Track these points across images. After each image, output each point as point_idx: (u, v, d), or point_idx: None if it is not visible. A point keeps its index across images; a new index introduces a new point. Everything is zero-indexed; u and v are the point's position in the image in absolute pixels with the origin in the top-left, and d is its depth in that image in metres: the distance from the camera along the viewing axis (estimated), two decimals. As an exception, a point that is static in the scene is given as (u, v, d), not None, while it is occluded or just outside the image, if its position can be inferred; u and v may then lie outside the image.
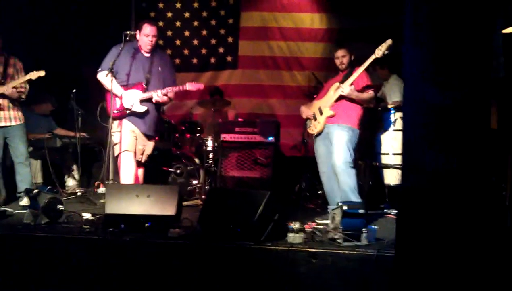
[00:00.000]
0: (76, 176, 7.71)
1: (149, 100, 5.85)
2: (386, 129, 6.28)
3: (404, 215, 3.41)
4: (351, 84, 5.54)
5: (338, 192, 5.69)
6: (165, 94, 5.83)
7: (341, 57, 5.79)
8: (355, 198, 5.47)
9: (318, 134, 5.82)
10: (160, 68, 5.99)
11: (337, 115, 5.67)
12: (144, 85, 5.84)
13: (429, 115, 3.13)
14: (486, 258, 3.06)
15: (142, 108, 5.81)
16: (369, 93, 5.69)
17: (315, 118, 5.82)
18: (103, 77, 5.78)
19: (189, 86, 5.88)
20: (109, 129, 5.71)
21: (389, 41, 5.43)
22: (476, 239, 3.08)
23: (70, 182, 7.77)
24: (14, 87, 6.13)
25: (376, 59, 5.55)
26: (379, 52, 5.44)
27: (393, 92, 6.86)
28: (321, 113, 5.75)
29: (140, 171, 6.06)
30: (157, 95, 5.78)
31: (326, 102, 5.75)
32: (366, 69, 5.68)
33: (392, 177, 6.25)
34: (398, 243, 3.43)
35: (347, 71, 5.76)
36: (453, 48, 3.08)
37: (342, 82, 5.65)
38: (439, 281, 3.15)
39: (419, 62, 3.19)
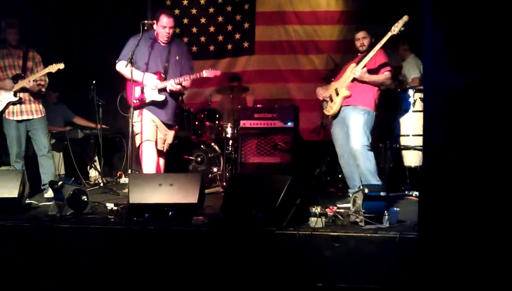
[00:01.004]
0: (98, 167, 7.80)
1: (166, 89, 5.88)
2: (406, 110, 6.26)
3: (426, 197, 3.42)
4: (364, 66, 5.50)
5: (357, 175, 5.69)
6: (179, 84, 5.84)
7: (362, 38, 5.73)
8: (375, 180, 5.47)
9: (335, 117, 5.80)
10: (177, 57, 6.00)
11: (353, 97, 5.63)
12: (162, 74, 5.87)
13: (447, 97, 3.12)
14: (507, 240, 3.06)
15: (160, 97, 5.85)
16: (384, 74, 5.62)
17: (331, 100, 5.79)
18: (122, 67, 5.82)
19: (206, 74, 5.89)
20: (130, 118, 5.75)
21: (405, 18, 5.34)
22: (496, 220, 3.08)
23: (93, 173, 7.88)
24: (34, 80, 6.19)
25: (396, 36, 5.49)
26: (396, 28, 5.36)
27: (413, 70, 6.83)
28: (337, 94, 5.72)
29: (162, 160, 6.11)
30: (171, 85, 5.80)
31: (342, 83, 5.72)
32: (386, 51, 5.63)
33: (412, 158, 6.24)
34: (421, 225, 3.45)
35: (366, 53, 5.70)
36: (474, 30, 3.06)
37: (359, 63, 5.61)
38: (461, 263, 3.16)
39: (440, 45, 3.18)
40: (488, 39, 3.05)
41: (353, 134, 5.56)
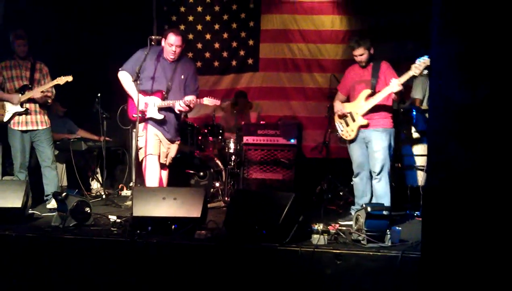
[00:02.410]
0: (100, 179, 7.82)
1: (167, 108, 5.92)
2: (410, 130, 6.29)
3: (430, 215, 3.43)
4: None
5: (368, 195, 5.76)
6: (188, 105, 5.87)
7: (359, 56, 5.68)
8: (387, 202, 5.49)
9: (352, 139, 5.79)
10: (183, 76, 6.01)
11: (372, 120, 5.62)
12: (164, 94, 5.90)
13: (456, 113, 3.14)
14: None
15: (159, 116, 5.88)
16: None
17: (347, 123, 5.76)
18: (124, 76, 5.87)
19: (205, 101, 5.88)
20: (136, 132, 5.80)
21: (427, 61, 5.20)
22: (503, 239, 3.09)
23: (95, 185, 7.89)
24: (41, 91, 6.24)
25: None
26: (417, 71, 5.28)
27: (417, 89, 6.85)
28: (353, 120, 5.69)
29: (164, 174, 6.13)
30: (179, 105, 5.83)
31: (358, 109, 5.65)
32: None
33: (414, 178, 6.26)
34: (424, 244, 3.45)
35: (372, 67, 5.67)
36: (481, 45, 3.08)
37: (371, 85, 5.58)
38: (466, 282, 3.17)
39: (447, 60, 3.20)
40: (498, 52, 3.07)
41: (378, 158, 5.57)
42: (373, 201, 5.61)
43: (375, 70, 5.65)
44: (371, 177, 5.77)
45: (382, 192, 5.57)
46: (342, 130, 5.84)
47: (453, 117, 3.18)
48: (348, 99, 5.89)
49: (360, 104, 5.64)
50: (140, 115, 5.79)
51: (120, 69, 5.98)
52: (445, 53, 3.24)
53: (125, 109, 6.08)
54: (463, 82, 3.15)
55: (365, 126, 5.62)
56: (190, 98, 5.85)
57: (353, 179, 5.88)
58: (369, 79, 5.64)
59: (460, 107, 3.14)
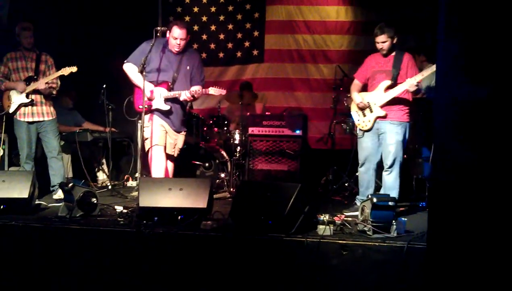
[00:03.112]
0: (106, 170, 7.85)
1: (173, 99, 5.93)
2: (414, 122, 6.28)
3: (436, 208, 3.44)
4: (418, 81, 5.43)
5: (373, 186, 5.78)
6: (193, 95, 5.88)
7: (381, 43, 5.60)
8: (396, 195, 5.48)
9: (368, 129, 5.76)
10: (188, 68, 6.02)
11: (389, 112, 5.59)
12: (170, 84, 5.91)
13: (462, 109, 3.15)
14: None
15: (165, 107, 5.89)
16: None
17: (364, 114, 5.73)
18: (129, 69, 5.88)
19: (211, 91, 5.94)
20: (142, 123, 5.81)
21: None
22: (507, 232, 3.10)
23: (100, 176, 7.92)
24: (46, 83, 6.25)
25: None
26: None
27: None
28: (371, 110, 5.66)
29: (171, 165, 6.14)
30: (185, 95, 5.84)
31: (376, 99, 5.61)
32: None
33: (420, 169, 6.27)
34: (430, 235, 3.47)
35: (394, 57, 5.63)
36: (487, 42, 3.09)
37: (392, 76, 5.55)
38: (471, 273, 3.18)
39: (453, 56, 3.21)
40: (503, 49, 3.07)
41: (391, 151, 5.55)
42: (381, 192, 5.61)
43: (397, 61, 5.59)
44: (377, 169, 5.77)
45: (391, 184, 5.57)
46: (358, 120, 5.79)
47: (458, 113, 3.20)
48: (365, 88, 5.85)
49: (379, 95, 5.60)
50: (146, 106, 5.81)
51: (125, 61, 5.98)
52: (450, 50, 3.24)
53: (132, 101, 6.10)
54: (468, 79, 3.15)
55: (383, 117, 5.59)
56: (196, 88, 5.87)
57: (359, 169, 5.85)
58: (390, 70, 5.59)
59: (465, 104, 3.14)
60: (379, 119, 5.62)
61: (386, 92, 5.55)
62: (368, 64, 5.87)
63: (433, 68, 5.24)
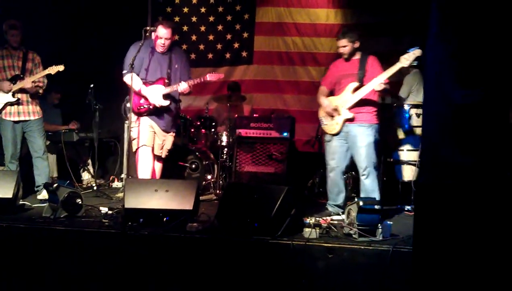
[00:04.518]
0: (92, 170, 7.80)
1: (169, 95, 5.91)
2: (401, 125, 6.29)
3: (422, 211, 3.44)
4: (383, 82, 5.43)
5: (343, 192, 5.76)
6: (190, 85, 5.88)
7: (342, 47, 5.67)
8: (377, 198, 5.46)
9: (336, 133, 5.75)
10: (177, 66, 6.05)
11: (357, 115, 5.59)
12: (166, 80, 5.91)
13: (452, 112, 3.15)
14: (503, 254, 3.09)
15: (165, 103, 5.89)
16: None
17: (332, 117, 5.73)
18: (129, 79, 5.82)
19: (209, 77, 5.97)
20: (128, 123, 5.79)
21: (417, 52, 5.22)
22: (493, 234, 3.11)
23: (86, 176, 7.87)
24: (33, 81, 6.20)
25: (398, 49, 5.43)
26: (406, 62, 5.27)
27: (403, 88, 6.85)
28: (338, 113, 5.65)
29: (159, 166, 6.12)
30: (184, 86, 5.84)
31: (343, 102, 5.62)
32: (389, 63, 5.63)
33: (406, 173, 6.28)
34: (416, 239, 3.47)
35: (359, 60, 5.66)
36: (478, 46, 3.10)
37: (358, 78, 5.56)
38: (457, 276, 3.18)
39: (443, 60, 3.21)
40: (494, 53, 3.08)
41: (363, 153, 5.53)
42: (362, 196, 5.58)
43: (362, 64, 5.63)
44: (344, 174, 5.79)
45: (370, 187, 5.54)
46: (326, 124, 5.82)
47: (448, 116, 3.20)
48: (332, 94, 5.86)
49: (346, 97, 5.61)
50: (145, 106, 5.81)
51: (123, 73, 5.93)
52: (441, 53, 3.25)
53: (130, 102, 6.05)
54: (459, 82, 3.16)
55: (351, 120, 5.59)
56: (190, 81, 5.89)
57: (329, 174, 5.82)
58: (356, 73, 5.61)
59: (455, 107, 3.15)
60: (348, 123, 5.61)
61: (353, 94, 5.57)
62: (333, 70, 5.93)
63: (397, 66, 5.30)
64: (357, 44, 5.65)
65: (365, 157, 5.52)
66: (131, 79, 5.55)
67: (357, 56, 5.70)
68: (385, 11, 8.33)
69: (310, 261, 4.24)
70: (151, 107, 5.89)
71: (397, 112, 6.34)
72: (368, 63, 5.62)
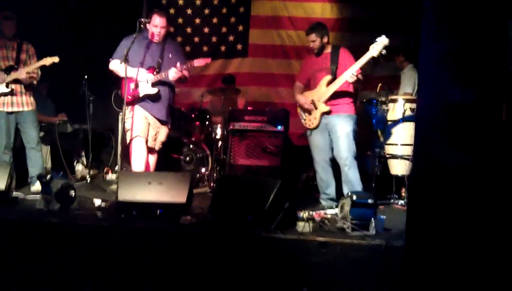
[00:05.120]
0: (85, 162, 7.78)
1: (160, 84, 5.90)
2: (394, 120, 6.30)
3: (415, 206, 3.45)
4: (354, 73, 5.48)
5: (333, 184, 5.83)
6: (180, 71, 5.85)
7: (311, 42, 5.79)
8: (360, 187, 5.58)
9: (315, 127, 5.83)
10: (170, 55, 6.03)
11: (334, 106, 5.68)
12: (155, 69, 5.91)
13: (445, 111, 3.17)
14: (497, 251, 3.10)
15: (153, 91, 5.88)
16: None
17: (309, 112, 5.81)
18: (115, 65, 5.86)
19: (196, 63, 5.94)
20: (123, 113, 5.78)
21: (386, 41, 5.32)
22: (485, 231, 3.12)
23: (80, 168, 7.85)
24: (27, 72, 6.17)
25: (398, 45, 5.48)
26: (375, 51, 5.34)
27: (408, 84, 6.88)
28: (315, 107, 5.74)
29: (153, 158, 6.11)
30: (173, 72, 5.80)
31: (319, 96, 5.71)
32: (376, 60, 5.64)
33: (399, 167, 6.29)
34: (409, 234, 3.48)
35: (330, 54, 5.75)
36: (471, 44, 3.11)
37: (331, 71, 5.65)
38: (449, 271, 3.20)
39: (436, 59, 3.22)
40: (488, 52, 3.09)
41: (342, 143, 5.60)
42: (346, 187, 5.63)
43: (334, 57, 5.71)
44: (332, 165, 5.83)
45: (353, 177, 5.60)
46: (304, 119, 5.90)
47: (442, 114, 3.21)
48: (308, 88, 5.94)
49: (321, 91, 5.70)
50: (132, 96, 5.79)
51: (110, 59, 5.94)
52: (435, 51, 3.26)
53: (119, 94, 6.03)
54: (453, 80, 3.17)
55: (328, 113, 5.66)
56: (182, 65, 5.87)
57: (316, 168, 5.92)
58: (328, 66, 5.71)
59: (449, 105, 3.16)
60: (325, 115, 5.69)
61: (327, 87, 5.64)
62: (306, 65, 6.06)
63: (367, 56, 5.37)
64: (325, 39, 5.78)
65: (345, 146, 5.59)
66: (125, 70, 5.56)
67: (328, 49, 5.81)
68: (379, 6, 8.35)
69: (303, 255, 4.24)
70: (139, 96, 5.87)
71: (391, 107, 6.36)
72: (340, 56, 5.72)
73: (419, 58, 3.34)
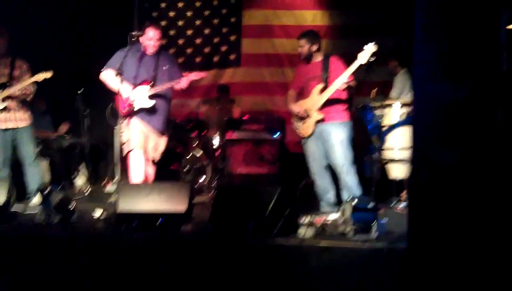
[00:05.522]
0: (84, 175, 7.76)
1: (157, 96, 5.90)
2: (391, 123, 6.31)
3: (416, 209, 3.46)
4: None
5: (332, 191, 5.85)
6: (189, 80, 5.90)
7: (299, 47, 5.85)
8: (359, 193, 5.59)
9: (309, 135, 5.84)
10: (164, 68, 6.02)
11: (328, 114, 5.68)
12: (150, 82, 5.89)
13: (440, 111, 3.18)
14: (496, 252, 3.11)
15: (149, 104, 5.86)
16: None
17: (303, 121, 5.82)
18: (107, 76, 5.84)
19: (192, 76, 5.94)
20: (118, 127, 5.76)
21: (373, 48, 5.37)
22: (486, 233, 3.13)
23: (78, 182, 7.82)
24: (20, 89, 6.16)
25: (383, 51, 5.53)
26: (364, 59, 5.38)
27: (398, 89, 6.91)
28: (309, 116, 5.75)
29: (151, 169, 6.09)
30: (183, 83, 5.87)
31: (312, 105, 5.72)
32: (370, 66, 5.67)
33: (398, 171, 6.29)
34: (410, 236, 3.48)
35: (321, 62, 5.76)
36: (464, 44, 3.13)
37: (323, 79, 5.66)
38: (451, 274, 3.20)
39: (430, 59, 3.24)
40: (481, 50, 3.11)
41: (338, 151, 5.62)
42: (345, 193, 5.65)
43: (325, 65, 5.73)
44: (329, 171, 5.84)
45: (352, 183, 5.62)
46: (299, 128, 5.92)
47: (437, 114, 3.22)
48: (301, 97, 5.95)
49: (314, 100, 5.71)
50: (127, 107, 5.78)
51: (102, 70, 5.94)
52: (429, 50, 3.27)
53: (114, 107, 6.01)
54: (447, 80, 3.18)
55: (321, 121, 5.68)
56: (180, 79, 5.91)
57: (314, 177, 5.95)
58: (320, 74, 5.72)
59: (444, 105, 3.17)
60: (319, 123, 5.71)
61: (320, 95, 5.66)
62: (299, 74, 6.08)
63: (356, 64, 5.40)
64: (314, 48, 5.79)
65: (340, 154, 5.61)
66: (120, 84, 5.58)
67: (319, 58, 5.83)
68: (370, 12, 8.40)
69: (305, 261, 4.24)
70: (133, 108, 5.87)
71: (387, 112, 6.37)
72: (331, 64, 5.73)
73: (413, 58, 3.35)
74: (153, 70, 5.95)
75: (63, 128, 7.73)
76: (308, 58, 5.83)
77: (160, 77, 5.95)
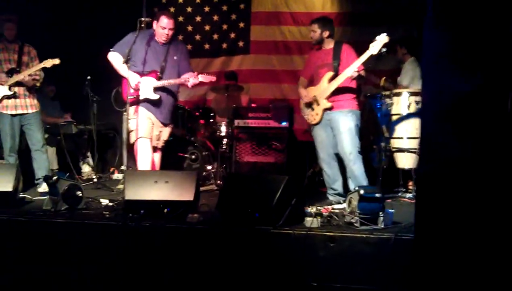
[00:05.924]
0: (91, 163, 7.79)
1: (163, 88, 5.89)
2: (400, 113, 6.29)
3: (423, 199, 3.44)
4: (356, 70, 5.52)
5: (340, 179, 5.84)
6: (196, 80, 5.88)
7: (311, 31, 5.86)
8: (366, 182, 5.58)
9: (317, 122, 5.84)
10: (175, 58, 6.00)
11: (336, 102, 5.68)
12: (158, 74, 5.87)
13: (449, 101, 3.15)
14: (504, 244, 3.09)
15: (154, 96, 5.85)
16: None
17: (312, 108, 5.82)
18: (114, 58, 5.84)
19: (201, 78, 5.92)
20: (126, 115, 5.76)
21: (385, 39, 5.36)
22: (493, 224, 3.11)
23: (86, 169, 7.87)
24: (29, 75, 6.18)
25: (400, 37, 5.49)
26: (375, 49, 5.37)
27: (406, 76, 6.86)
28: (318, 103, 5.76)
29: (157, 156, 6.11)
30: (192, 81, 5.84)
31: (321, 92, 5.72)
32: (380, 56, 5.62)
33: (406, 161, 6.27)
34: (417, 227, 3.47)
35: (333, 50, 5.75)
36: (475, 33, 3.09)
37: (333, 67, 5.66)
38: (457, 265, 3.18)
39: (441, 48, 3.20)
40: (491, 40, 3.08)
41: (345, 139, 5.61)
42: (352, 182, 5.65)
43: (337, 53, 5.72)
44: (337, 160, 5.83)
45: (359, 172, 5.61)
46: (307, 115, 5.92)
47: (446, 105, 3.19)
48: (312, 84, 5.96)
49: (324, 87, 5.71)
50: (133, 97, 5.77)
51: (110, 50, 5.93)
52: (439, 40, 3.23)
53: (120, 91, 6.02)
54: (457, 70, 3.15)
55: (330, 108, 5.68)
56: (188, 75, 5.89)
57: (322, 164, 5.94)
58: (331, 62, 5.71)
59: (453, 95, 3.14)
60: (328, 111, 5.71)
61: (329, 84, 5.65)
62: (310, 61, 6.08)
63: (367, 54, 5.41)
64: (326, 34, 5.78)
65: (348, 142, 5.60)
66: (127, 71, 5.59)
67: (331, 45, 5.81)
68: (380, 0, 8.34)
69: (312, 250, 4.24)
70: (140, 98, 5.86)
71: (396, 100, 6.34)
72: (342, 52, 5.72)
73: (423, 48, 3.32)
74: (163, 61, 5.93)
75: (67, 117, 7.74)
76: (320, 43, 5.83)
77: (168, 69, 5.93)
